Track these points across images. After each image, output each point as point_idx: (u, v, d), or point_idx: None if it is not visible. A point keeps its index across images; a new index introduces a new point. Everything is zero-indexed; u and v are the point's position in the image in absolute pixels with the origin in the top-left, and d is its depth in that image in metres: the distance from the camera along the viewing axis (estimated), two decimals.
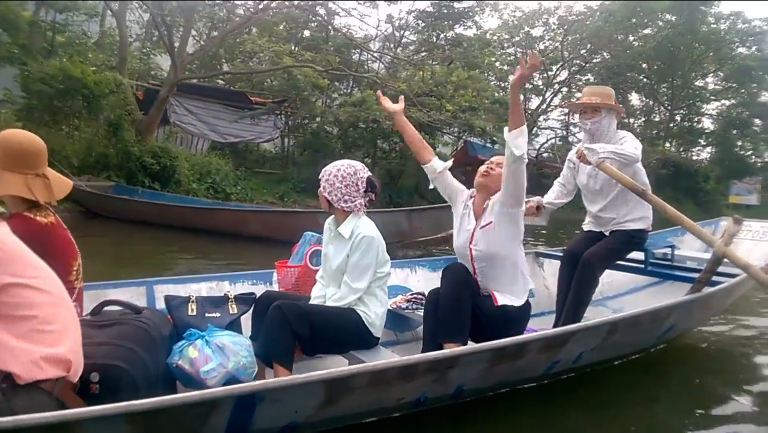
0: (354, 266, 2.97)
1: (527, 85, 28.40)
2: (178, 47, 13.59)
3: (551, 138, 30.38)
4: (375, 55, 18.14)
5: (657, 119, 32.04)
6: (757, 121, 32.91)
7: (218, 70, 19.47)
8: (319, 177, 3.09)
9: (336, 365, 2.75)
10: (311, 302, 3.13)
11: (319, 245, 3.63)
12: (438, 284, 3.19)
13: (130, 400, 1.85)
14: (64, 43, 13.61)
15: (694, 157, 33.70)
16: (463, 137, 23.67)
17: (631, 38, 28.55)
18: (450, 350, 2.52)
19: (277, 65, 15.04)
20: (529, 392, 3.12)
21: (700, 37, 28.80)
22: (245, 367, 2.64)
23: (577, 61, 27.91)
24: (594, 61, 27.62)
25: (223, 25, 16.13)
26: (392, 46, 21.45)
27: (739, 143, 34.08)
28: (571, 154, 3.99)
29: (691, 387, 3.54)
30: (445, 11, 22.76)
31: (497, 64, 26.46)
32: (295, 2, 15.74)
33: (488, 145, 22.99)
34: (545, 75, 28.36)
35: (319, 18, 18.18)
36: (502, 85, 26.41)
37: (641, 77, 30.85)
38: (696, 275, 3.74)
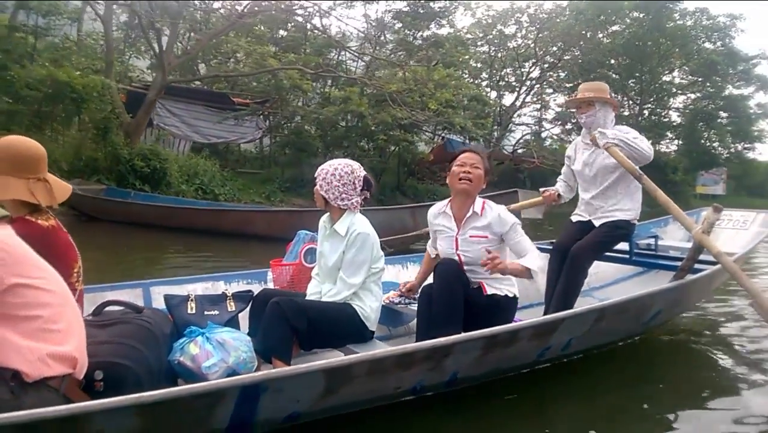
0: (350, 262, 3.03)
1: (500, 82, 28.68)
2: (165, 51, 13.54)
3: (526, 134, 30.71)
4: (356, 54, 18.12)
5: (626, 113, 32.47)
6: (723, 113, 33.51)
7: (195, 71, 19.42)
8: (315, 175, 3.12)
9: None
10: (307, 298, 3.19)
11: (313, 243, 3.69)
12: (429, 280, 3.27)
13: None
14: (47, 47, 13.50)
15: (663, 150, 34.08)
16: (442, 135, 23.86)
17: (600, 35, 28.88)
18: (445, 338, 2.60)
19: (261, 66, 15.04)
20: (521, 378, 3.19)
21: (667, 34, 29.24)
22: (245, 361, 2.70)
23: (549, 59, 28.14)
24: (565, 58, 27.84)
25: (202, 27, 16.05)
26: (371, 45, 21.51)
27: (706, 135, 34.64)
28: (569, 150, 4.18)
29: (678, 371, 3.61)
30: (421, 11, 22.87)
31: (471, 61, 26.62)
32: (276, 3, 15.71)
33: (467, 142, 23.17)
34: (518, 72, 28.60)
35: (298, 19, 18.18)
36: (475, 82, 26.65)
37: (611, 73, 31.18)
38: (679, 264, 3.83)
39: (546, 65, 28.29)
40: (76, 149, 12.37)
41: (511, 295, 3.22)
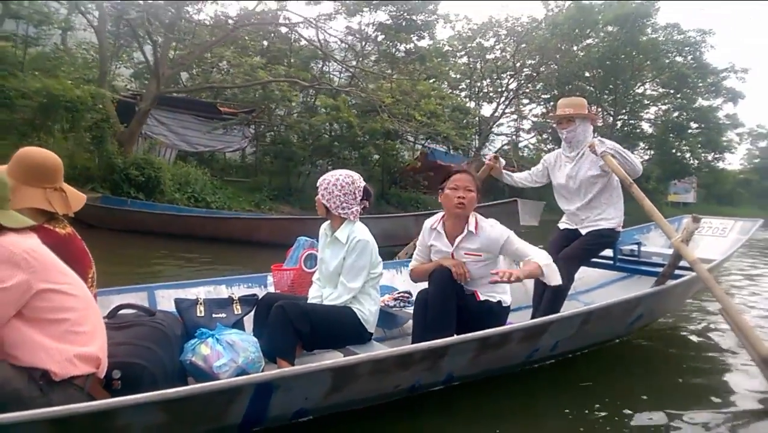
0: (350, 268, 3.14)
1: (479, 93, 29.00)
2: (159, 61, 13.56)
3: (505, 144, 31.08)
4: (345, 66, 18.26)
5: (601, 124, 32.96)
6: (693, 124, 34.19)
7: (179, 81, 19.43)
8: (317, 185, 3.23)
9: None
10: (309, 301, 3.30)
11: (313, 249, 3.80)
12: (424, 285, 3.37)
13: None
14: (37, 56, 13.45)
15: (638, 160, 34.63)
16: (424, 144, 24.05)
17: (575, 48, 29.31)
18: (442, 340, 2.72)
19: (251, 77, 15.11)
20: (512, 378, 3.31)
21: (640, 47, 29.83)
22: (254, 361, 2.79)
23: (527, 71, 28.50)
24: (541, 70, 28.20)
25: (186, 39, 16.08)
26: (353, 57, 21.68)
27: (677, 145, 35.28)
28: (550, 158, 4.30)
29: (659, 370, 3.76)
30: (403, 23, 23.09)
31: (451, 73, 26.88)
32: (265, 14, 15.81)
33: (452, 152, 23.36)
34: (497, 83, 28.92)
35: (282, 30, 18.27)
36: (455, 92, 26.89)
37: (586, 85, 31.66)
38: (660, 270, 4.00)
39: (523, 77, 28.64)
40: (69, 158, 12.28)
41: (504, 302, 3.34)
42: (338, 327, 3.11)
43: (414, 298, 3.79)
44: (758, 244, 13.32)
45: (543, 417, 2.97)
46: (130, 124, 13.74)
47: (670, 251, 4.10)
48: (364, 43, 22.57)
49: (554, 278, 3.16)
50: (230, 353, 2.75)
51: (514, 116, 31.61)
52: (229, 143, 19.06)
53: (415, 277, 3.56)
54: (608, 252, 4.48)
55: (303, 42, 19.55)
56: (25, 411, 1.78)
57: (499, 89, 29.07)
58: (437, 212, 3.57)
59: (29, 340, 2.07)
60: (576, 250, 4.00)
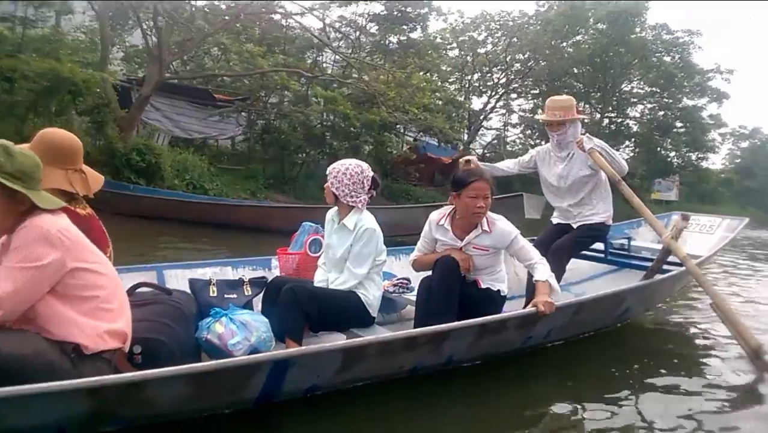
0: (356, 254, 3.25)
1: (468, 86, 29.02)
2: (162, 47, 13.52)
3: (494, 139, 31.22)
4: (343, 56, 18.22)
5: (587, 121, 33.10)
6: (678, 124, 34.47)
7: (172, 67, 19.37)
8: (327, 173, 3.32)
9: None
10: (315, 285, 3.41)
11: (317, 234, 3.89)
12: (427, 273, 3.49)
13: None
14: (35, 38, 13.35)
15: (624, 157, 34.79)
16: (418, 137, 24.12)
17: (564, 44, 29.35)
18: (444, 325, 2.85)
19: (251, 65, 15.09)
20: (508, 362, 3.44)
21: (629, 46, 29.92)
22: (265, 340, 2.91)
23: (518, 66, 28.50)
24: (530, 65, 28.20)
25: (185, 24, 16.03)
26: (348, 47, 21.62)
27: (662, 144, 35.57)
28: (540, 153, 4.38)
29: (643, 359, 3.86)
30: (397, 14, 23.08)
31: (443, 66, 26.90)
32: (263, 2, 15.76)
33: (443, 145, 23.41)
34: (487, 77, 28.94)
35: (276, 18, 18.20)
36: (444, 85, 26.84)
37: (575, 82, 31.74)
38: (649, 264, 4.15)
39: (513, 72, 28.66)
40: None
41: (502, 291, 3.49)
42: (344, 310, 3.22)
43: (413, 284, 3.96)
44: (740, 242, 13.56)
45: (536, 399, 3.09)
46: (130, 110, 13.69)
47: (659, 246, 4.23)
48: (358, 33, 22.50)
49: (557, 288, 3.34)
50: (243, 332, 2.86)
51: (503, 111, 31.71)
52: (223, 131, 19.02)
53: (418, 267, 3.67)
54: (599, 245, 4.62)
55: (297, 30, 19.58)
56: (67, 381, 1.88)
57: (489, 83, 29.09)
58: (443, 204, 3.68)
59: (62, 315, 2.17)
60: (567, 242, 4.14)
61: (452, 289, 3.29)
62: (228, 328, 2.86)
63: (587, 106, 33.07)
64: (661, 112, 34.54)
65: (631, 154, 35.34)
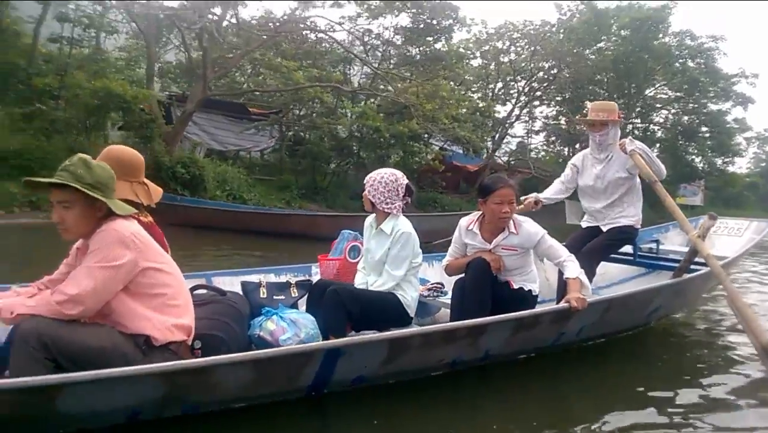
0: (394, 257, 3.38)
1: (491, 95, 28.97)
2: (206, 65, 13.97)
3: (517, 147, 31.05)
4: (371, 69, 18.45)
5: None
6: (704, 128, 33.87)
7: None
8: (364, 182, 3.48)
9: None
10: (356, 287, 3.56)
11: (356, 241, 4.05)
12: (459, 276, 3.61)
13: None
14: (84, 58, 13.88)
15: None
16: (444, 146, 24.19)
17: (587, 52, 29.11)
18: (482, 318, 2.98)
19: (287, 80, 15.45)
20: (540, 359, 3.55)
21: (653, 52, 29.56)
22: (313, 336, 3.06)
23: (542, 75, 28.36)
24: (552, 72, 28.01)
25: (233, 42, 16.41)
26: (375, 60, 21.83)
27: (687, 149, 34.96)
28: (576, 160, 4.50)
29: (677, 358, 3.95)
30: (422, 26, 23.24)
31: (466, 76, 26.92)
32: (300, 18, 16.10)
33: (470, 154, 23.42)
34: (510, 85, 28.87)
35: (311, 35, 18.58)
36: (467, 95, 26.82)
37: (599, 89, 31.43)
38: (678, 265, 4.20)
39: (536, 81, 28.52)
40: None
41: (534, 291, 3.59)
42: (384, 310, 3.36)
43: (446, 288, 4.09)
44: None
45: (567, 396, 3.19)
46: (174, 125, 14.15)
47: (687, 249, 4.28)
48: (385, 46, 22.75)
49: (587, 285, 3.44)
50: (293, 329, 3.03)
51: (526, 118, 31.57)
52: (257, 143, 19.47)
53: (450, 271, 3.79)
54: (628, 249, 4.67)
55: (326, 45, 19.90)
56: (146, 365, 2.06)
57: (512, 91, 29.03)
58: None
59: (134, 311, 2.37)
60: (597, 245, 4.22)
61: (484, 289, 3.41)
62: (279, 325, 3.04)
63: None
64: (686, 117, 34.03)
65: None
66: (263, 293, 3.44)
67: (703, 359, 4.02)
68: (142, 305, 2.40)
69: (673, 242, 5.65)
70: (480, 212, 3.62)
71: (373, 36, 22.18)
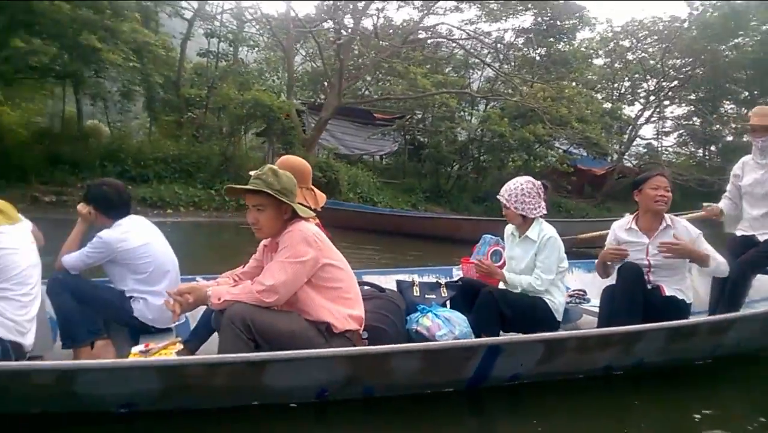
0: (543, 262, 3.44)
1: (617, 95, 27.51)
2: (341, 76, 14.76)
3: (644, 148, 29.36)
4: (484, 73, 18.44)
5: None
6: None
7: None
8: (501, 197, 3.56)
9: None
10: None
11: (498, 245, 4.14)
12: (594, 283, 3.66)
13: None
14: (228, 71, 15.19)
15: None
16: (569, 149, 23.44)
17: (722, 47, 26.77)
18: (639, 325, 2.98)
19: (413, 86, 15.88)
20: (694, 371, 3.45)
21: None
22: (466, 334, 3.22)
23: (673, 74, 26.55)
24: (685, 70, 26.09)
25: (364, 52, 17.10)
26: (497, 63, 21.63)
27: None
28: (736, 169, 4.31)
29: None
30: (545, 27, 22.70)
31: (589, 75, 25.84)
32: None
33: (596, 156, 22.55)
34: (637, 84, 27.29)
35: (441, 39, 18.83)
36: (593, 94, 25.67)
37: (737, 87, 28.84)
38: None
39: (667, 79, 26.78)
40: (262, 161, 13.89)
41: (687, 299, 3.49)
42: (533, 314, 3.41)
43: (588, 295, 4.10)
44: None
45: (727, 410, 3.08)
46: (311, 132, 15.04)
47: None
48: (507, 49, 22.51)
49: (720, 271, 3.42)
50: (448, 326, 3.21)
51: (655, 119, 29.72)
52: (381, 147, 20.09)
53: (601, 271, 3.78)
54: None
55: (445, 50, 20.11)
56: (338, 348, 2.35)
57: (638, 90, 27.48)
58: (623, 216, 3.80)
59: (316, 301, 2.66)
60: (754, 256, 4.00)
61: (635, 294, 3.38)
62: (434, 321, 3.23)
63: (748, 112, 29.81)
64: None
65: None
66: (416, 291, 3.66)
67: None
68: (322, 296, 2.69)
69: None
70: (634, 213, 3.65)
71: (493, 39, 22.01)
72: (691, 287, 3.58)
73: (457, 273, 4.43)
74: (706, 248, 3.43)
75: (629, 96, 27.67)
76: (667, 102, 28.64)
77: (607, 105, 25.72)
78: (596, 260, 3.86)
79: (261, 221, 2.69)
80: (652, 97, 26.98)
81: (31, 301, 2.67)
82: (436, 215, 13.73)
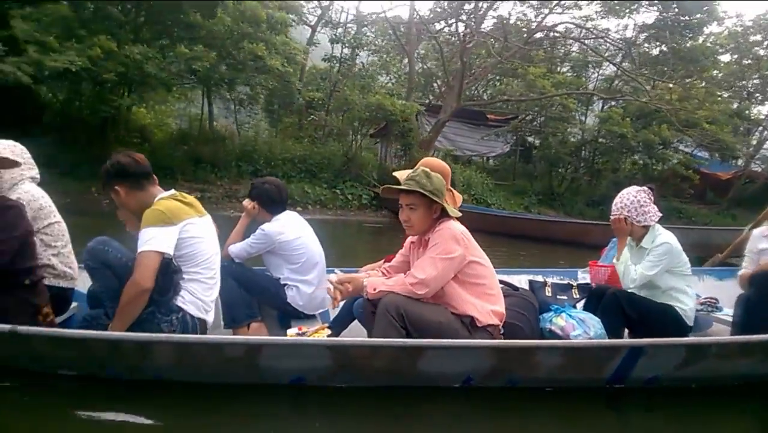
0: (648, 261, 3.42)
1: (746, 94, 25.23)
2: (462, 79, 14.99)
3: None
4: (628, 73, 17.70)
5: None
6: None
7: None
8: (618, 212, 3.55)
9: None
10: None
11: None
12: (725, 291, 3.64)
13: None
14: (349, 75, 15.86)
15: None
16: (692, 152, 22.02)
17: None
18: None
19: (531, 87, 15.76)
20: None
21: None
22: (600, 336, 3.24)
23: None
24: None
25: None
26: (618, 60, 20.72)
27: None
28: None
29: None
30: (672, 23, 21.39)
31: (714, 72, 24.00)
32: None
33: (723, 161, 21.10)
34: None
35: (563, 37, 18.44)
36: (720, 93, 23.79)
37: None
38: None
39: None
40: (380, 163, 14.41)
41: None
42: (662, 318, 3.40)
43: (720, 304, 3.99)
44: None
45: None
46: (429, 133, 15.34)
47: None
48: (630, 46, 21.48)
49: None
50: (582, 326, 3.27)
51: None
52: (492, 148, 19.95)
53: (742, 282, 3.70)
54: None
55: (559, 47, 19.60)
56: (485, 340, 2.54)
57: None
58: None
59: (461, 296, 2.85)
60: None
61: None
62: (569, 322, 3.31)
63: None
64: None
65: None
66: (548, 291, 3.76)
67: None
68: (467, 291, 2.87)
69: None
70: None
71: (618, 36, 21.10)
72: None
73: (582, 276, 4.46)
74: None
75: (758, 95, 25.43)
76: None
77: (737, 105, 23.85)
78: (725, 267, 3.76)
79: (413, 219, 2.92)
80: None
81: (214, 284, 3.07)
82: (564, 219, 13.60)
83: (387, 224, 13.10)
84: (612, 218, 3.61)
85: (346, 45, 15.44)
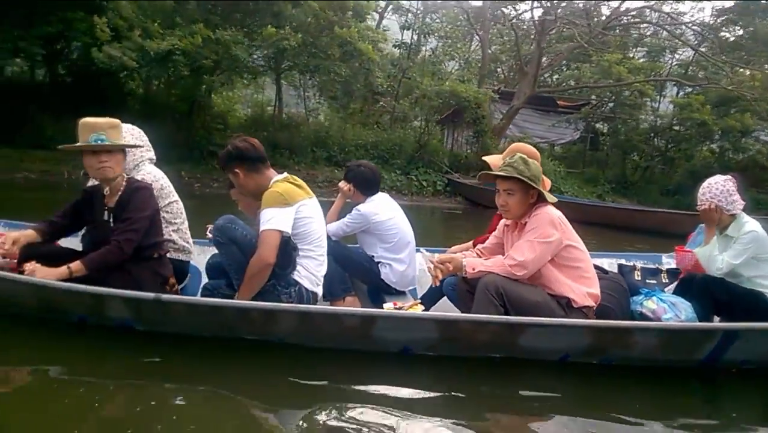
0: (734, 248, 3.41)
1: None
2: (537, 66, 14.84)
3: None
4: (708, 57, 16.94)
5: None
6: None
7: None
8: (709, 201, 3.52)
9: None
10: None
11: None
12: None
13: None
14: (418, 63, 15.96)
15: None
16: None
17: None
18: None
19: (606, 73, 15.38)
20: None
21: None
22: (692, 320, 3.28)
23: None
24: None
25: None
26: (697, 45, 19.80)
27: None
28: None
29: None
30: (751, 7, 20.03)
31: None
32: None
33: None
34: None
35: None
36: None
37: None
38: None
39: None
40: (447, 150, 14.51)
41: None
42: (751, 305, 3.36)
43: None
44: None
45: None
46: (502, 120, 15.27)
47: None
48: (708, 31, 20.48)
49: None
50: (674, 310, 3.32)
51: None
52: (562, 135, 19.54)
53: None
54: None
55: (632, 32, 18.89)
56: (585, 320, 2.66)
57: None
58: None
59: (558, 278, 2.96)
60: None
61: None
62: (660, 305, 3.37)
63: None
64: None
65: None
66: (637, 275, 3.82)
67: None
68: (564, 274, 2.98)
69: None
70: None
71: (695, 20, 20.15)
72: None
73: (666, 261, 4.47)
74: None
75: None
76: None
77: None
78: None
79: (510, 204, 3.05)
80: None
81: (324, 261, 3.30)
82: (652, 209, 13.08)
83: (462, 210, 13.22)
84: (702, 207, 3.59)
85: (416, 31, 15.48)
